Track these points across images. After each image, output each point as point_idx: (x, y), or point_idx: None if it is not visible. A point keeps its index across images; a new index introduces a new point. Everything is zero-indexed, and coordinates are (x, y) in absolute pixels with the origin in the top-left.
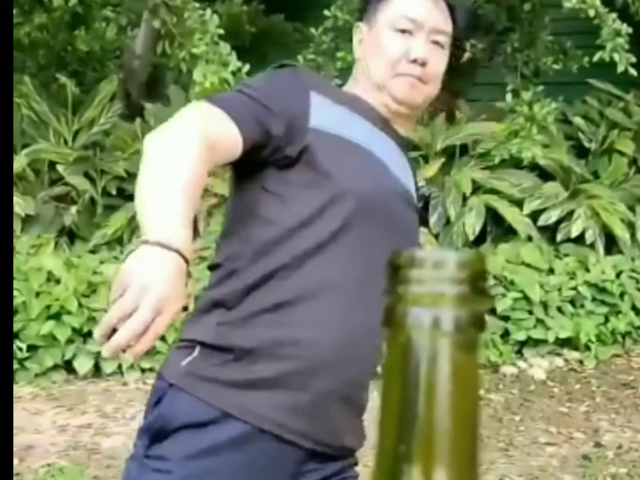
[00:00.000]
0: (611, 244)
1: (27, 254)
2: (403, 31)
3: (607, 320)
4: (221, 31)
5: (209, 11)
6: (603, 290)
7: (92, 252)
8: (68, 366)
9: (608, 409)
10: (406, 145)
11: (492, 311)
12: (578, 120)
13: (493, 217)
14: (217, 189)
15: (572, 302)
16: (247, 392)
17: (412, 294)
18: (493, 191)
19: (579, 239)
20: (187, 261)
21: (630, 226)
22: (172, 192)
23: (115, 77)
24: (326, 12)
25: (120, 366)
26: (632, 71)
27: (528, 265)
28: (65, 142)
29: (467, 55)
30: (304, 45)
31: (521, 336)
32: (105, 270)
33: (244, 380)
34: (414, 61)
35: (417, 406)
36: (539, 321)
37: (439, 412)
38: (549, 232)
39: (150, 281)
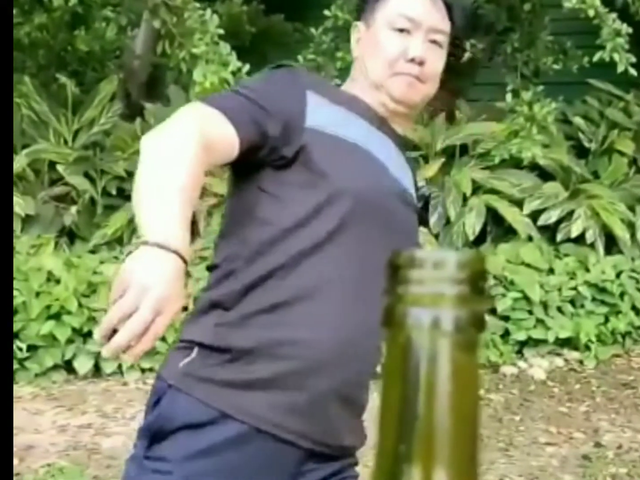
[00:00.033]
0: (611, 244)
1: (27, 254)
2: (401, 30)
3: (607, 320)
4: (221, 31)
5: (209, 11)
6: (603, 290)
7: (92, 252)
8: (68, 366)
9: (608, 409)
10: (404, 145)
11: (492, 311)
12: (578, 120)
13: (493, 217)
14: (217, 189)
15: (572, 302)
16: (245, 392)
17: (412, 294)
18: (493, 191)
19: (579, 239)
20: (185, 262)
21: (630, 226)
22: (169, 192)
23: (115, 77)
24: (326, 12)
25: (120, 366)
26: (632, 71)
27: (528, 265)
28: (65, 142)
29: (467, 55)
30: (304, 45)
31: (521, 336)
32: (105, 270)
33: (242, 380)
34: (412, 60)
35: (417, 406)
36: (539, 321)
37: (439, 412)
38: (549, 232)
39: (150, 282)
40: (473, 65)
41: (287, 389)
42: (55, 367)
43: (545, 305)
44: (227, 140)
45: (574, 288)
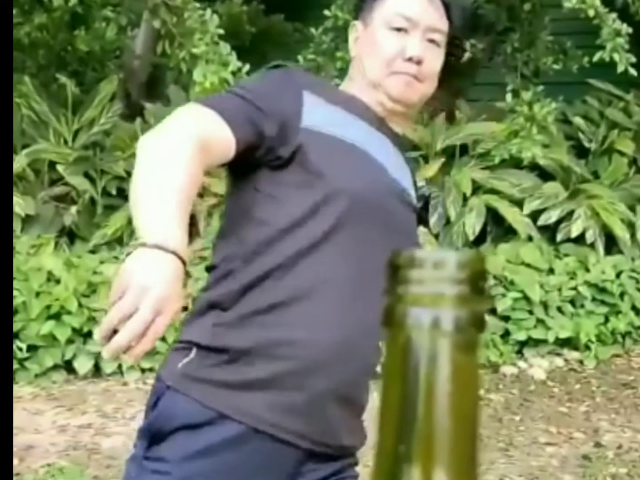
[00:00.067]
0: (611, 244)
1: (27, 254)
2: (398, 29)
3: (607, 320)
4: (221, 31)
5: (209, 11)
6: (603, 290)
7: (92, 252)
8: (68, 366)
9: (608, 409)
10: (403, 145)
11: (492, 311)
12: (578, 120)
13: (493, 217)
14: (217, 189)
15: (572, 302)
16: (243, 392)
17: (412, 294)
18: (493, 191)
19: (579, 239)
20: (184, 262)
21: (630, 226)
22: (167, 193)
23: (115, 77)
24: (326, 12)
25: (120, 366)
26: (632, 71)
27: (528, 265)
28: (65, 142)
29: (467, 55)
30: (304, 45)
31: (521, 336)
32: (105, 270)
33: (240, 381)
34: (410, 59)
35: (417, 406)
36: (539, 321)
37: (439, 412)
38: (549, 232)
39: (149, 282)
40: (473, 65)
41: (285, 389)
42: (55, 367)
43: (545, 305)
44: (224, 141)
45: (574, 288)
